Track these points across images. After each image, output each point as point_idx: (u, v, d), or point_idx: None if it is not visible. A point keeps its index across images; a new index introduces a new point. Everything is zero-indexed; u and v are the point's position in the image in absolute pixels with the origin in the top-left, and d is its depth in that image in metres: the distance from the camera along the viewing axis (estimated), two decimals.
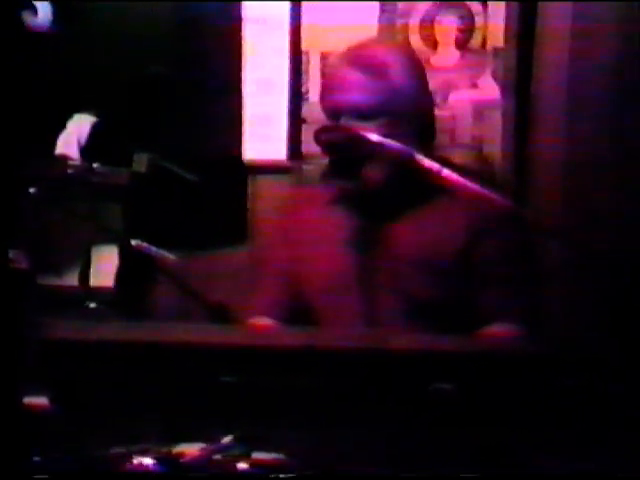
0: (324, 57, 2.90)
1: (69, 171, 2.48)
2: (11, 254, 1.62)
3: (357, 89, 1.92)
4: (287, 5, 2.95)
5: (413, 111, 1.93)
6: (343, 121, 1.91)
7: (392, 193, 1.96)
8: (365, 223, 1.97)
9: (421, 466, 1.33)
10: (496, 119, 2.79)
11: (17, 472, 1.29)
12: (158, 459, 1.31)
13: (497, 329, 1.89)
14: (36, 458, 1.32)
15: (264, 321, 2.00)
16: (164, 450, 1.32)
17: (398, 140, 1.80)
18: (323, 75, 2.86)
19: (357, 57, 1.94)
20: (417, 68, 1.99)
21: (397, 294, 1.91)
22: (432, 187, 1.85)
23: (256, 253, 2.35)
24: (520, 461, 1.33)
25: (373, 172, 1.93)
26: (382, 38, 2.68)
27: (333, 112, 1.94)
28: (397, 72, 1.92)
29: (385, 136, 1.83)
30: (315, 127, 1.98)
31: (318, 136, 1.93)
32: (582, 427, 1.35)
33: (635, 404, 1.34)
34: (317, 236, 2.01)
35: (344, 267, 1.96)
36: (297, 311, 1.99)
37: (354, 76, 1.92)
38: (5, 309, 1.41)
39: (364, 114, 1.90)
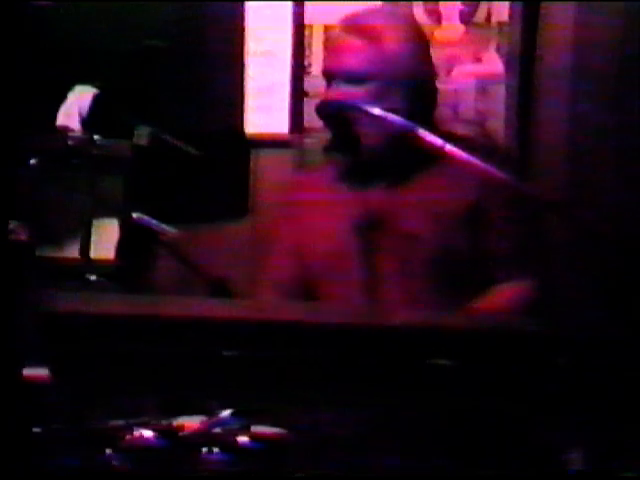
0: (327, 30, 2.88)
1: (70, 143, 2.47)
2: (12, 226, 1.61)
3: (348, 53, 1.91)
4: None
5: (406, 78, 1.91)
6: (334, 84, 1.91)
7: (393, 167, 1.96)
8: (367, 197, 1.97)
9: (419, 441, 1.33)
10: (500, 94, 2.78)
11: (18, 443, 1.30)
12: (158, 432, 1.31)
13: (505, 289, 1.89)
14: (36, 430, 1.32)
15: (271, 296, 2.00)
16: (164, 423, 1.33)
17: (390, 107, 1.79)
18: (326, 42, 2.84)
19: (353, 22, 1.94)
20: (415, 36, 1.97)
21: (402, 268, 1.91)
22: (434, 162, 1.84)
23: (261, 232, 2.35)
24: (520, 439, 1.33)
25: (375, 146, 1.92)
26: (382, 7, 2.66)
27: (326, 75, 1.95)
28: (390, 38, 1.91)
29: (375, 101, 1.82)
30: (317, 100, 1.98)
31: (320, 109, 1.92)
32: (579, 406, 1.35)
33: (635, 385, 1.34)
34: (321, 214, 2.01)
35: (348, 242, 1.95)
36: (304, 289, 1.99)
37: (347, 40, 1.92)
38: (6, 281, 1.41)
39: (353, 78, 1.90)
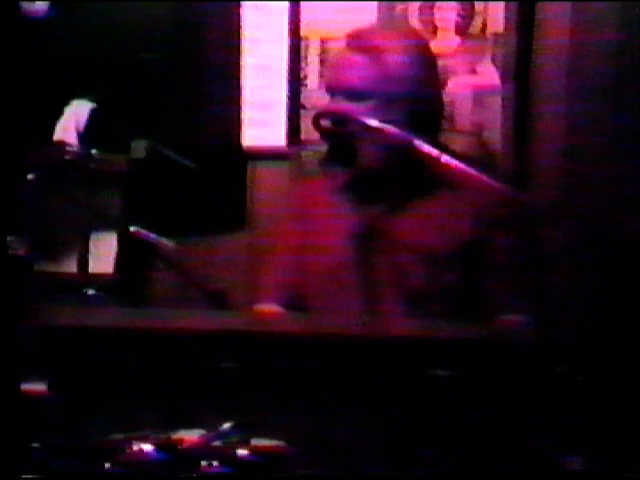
0: (323, 43, 2.89)
1: (67, 157, 2.47)
2: (10, 240, 1.61)
3: (350, 69, 1.92)
4: None
5: (407, 97, 1.92)
6: (335, 100, 1.92)
7: (391, 179, 1.96)
8: (365, 210, 1.97)
9: (420, 452, 1.33)
10: (496, 105, 2.78)
11: (16, 458, 1.29)
12: (157, 446, 1.31)
13: (505, 319, 1.88)
14: (35, 444, 1.32)
15: (270, 308, 2.00)
16: (163, 437, 1.32)
17: (391, 123, 1.79)
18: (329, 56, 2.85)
19: (358, 38, 1.94)
20: (418, 53, 1.97)
21: (399, 283, 1.91)
22: (431, 174, 1.84)
23: (259, 244, 2.35)
24: (517, 448, 1.33)
25: (372, 158, 1.92)
26: (391, 24, 2.67)
27: (328, 90, 1.95)
28: (393, 56, 1.91)
29: (377, 117, 1.82)
30: (314, 113, 1.98)
31: (316, 122, 1.92)
32: (580, 414, 1.35)
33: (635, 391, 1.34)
34: (319, 224, 2.01)
35: (345, 255, 1.95)
36: (302, 298, 1.99)
37: (350, 56, 1.92)
38: (3, 295, 1.41)
39: (354, 94, 1.90)
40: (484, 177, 1.66)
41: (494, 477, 1.31)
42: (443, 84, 2.04)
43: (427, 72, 1.97)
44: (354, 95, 1.90)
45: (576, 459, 1.31)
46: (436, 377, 1.35)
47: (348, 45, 1.95)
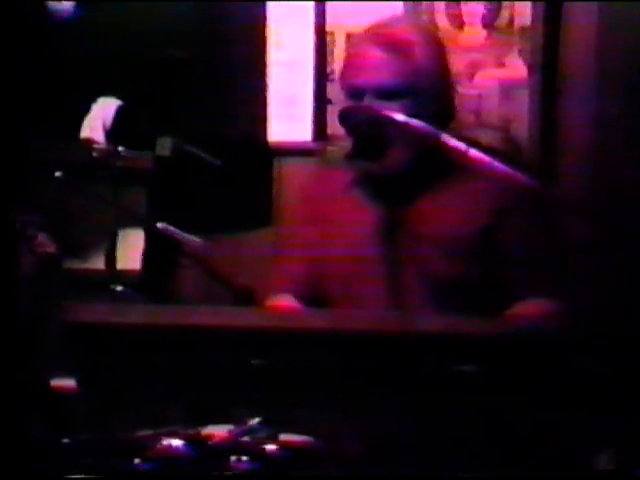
0: (349, 37, 2.88)
1: (94, 155, 2.48)
2: (39, 238, 1.62)
3: (381, 68, 1.90)
4: None
5: (435, 91, 1.92)
6: (366, 100, 1.90)
7: (417, 174, 1.95)
8: (390, 205, 1.96)
9: (446, 446, 1.32)
10: (523, 98, 2.77)
11: (47, 454, 1.30)
12: (186, 441, 1.31)
13: (528, 306, 1.88)
14: (65, 440, 1.32)
15: (284, 299, 1.99)
16: (192, 432, 1.33)
17: (420, 120, 1.79)
18: (346, 53, 2.84)
19: (380, 36, 1.93)
20: (439, 48, 1.98)
21: (422, 276, 1.91)
22: (458, 168, 1.84)
23: (279, 232, 2.35)
24: (542, 445, 1.32)
25: (398, 153, 1.92)
26: (404, 17, 2.66)
27: (355, 91, 1.93)
28: (420, 52, 1.91)
29: (408, 116, 1.81)
30: (340, 108, 1.97)
31: (342, 117, 1.91)
32: (602, 408, 1.34)
33: None
34: (341, 217, 2.01)
35: (368, 249, 1.95)
36: (318, 291, 1.99)
37: (378, 55, 1.91)
38: (33, 293, 1.42)
39: (387, 94, 1.89)
40: (510, 171, 1.65)
41: (521, 473, 1.31)
42: (454, 72, 2.03)
43: (447, 62, 1.98)
44: (387, 94, 1.89)
45: (603, 457, 1.30)
46: (462, 373, 1.35)
47: (370, 42, 1.93)
